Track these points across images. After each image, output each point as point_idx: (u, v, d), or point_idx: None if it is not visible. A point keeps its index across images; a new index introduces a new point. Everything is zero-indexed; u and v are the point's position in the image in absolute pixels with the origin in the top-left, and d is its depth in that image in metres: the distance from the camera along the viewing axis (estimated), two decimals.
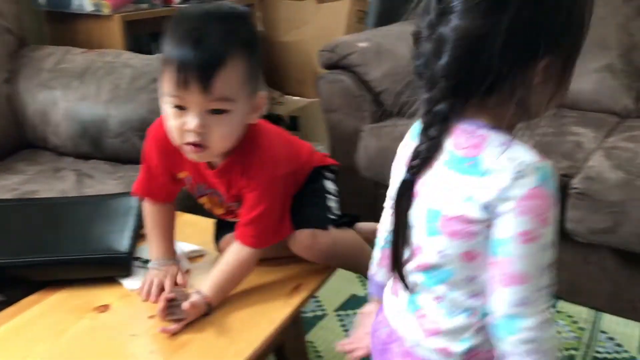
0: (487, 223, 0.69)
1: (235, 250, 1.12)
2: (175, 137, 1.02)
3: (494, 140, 0.69)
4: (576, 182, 1.62)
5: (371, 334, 0.90)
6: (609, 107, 2.06)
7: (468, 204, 0.69)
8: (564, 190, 1.61)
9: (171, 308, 1.04)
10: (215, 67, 0.94)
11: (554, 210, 0.69)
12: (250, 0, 2.61)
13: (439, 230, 0.72)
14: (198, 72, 0.93)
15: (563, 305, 1.79)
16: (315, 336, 1.69)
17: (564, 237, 1.63)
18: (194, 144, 0.99)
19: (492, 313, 0.72)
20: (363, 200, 2.13)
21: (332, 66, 2.09)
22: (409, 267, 0.77)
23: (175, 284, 1.13)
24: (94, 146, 1.84)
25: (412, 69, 0.73)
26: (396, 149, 0.80)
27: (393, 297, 0.84)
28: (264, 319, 1.05)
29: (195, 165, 1.11)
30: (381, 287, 0.91)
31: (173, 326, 1.02)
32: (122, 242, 1.18)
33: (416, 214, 0.75)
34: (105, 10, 2.18)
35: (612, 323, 1.71)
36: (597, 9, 0.72)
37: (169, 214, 1.20)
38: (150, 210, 1.19)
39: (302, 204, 1.20)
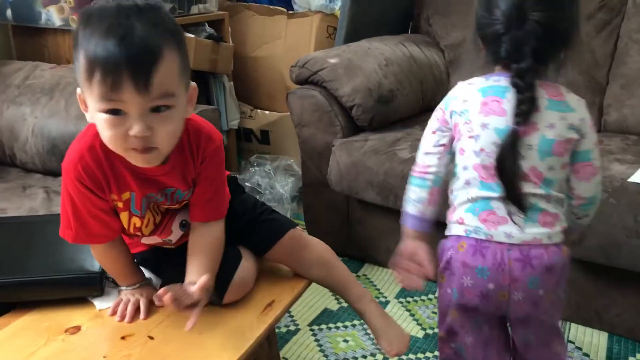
0: (577, 140, 1.06)
1: (205, 232, 1.09)
2: (116, 147, 0.93)
3: (562, 88, 1.07)
4: None
5: (495, 268, 1.05)
6: None
7: (571, 130, 1.05)
8: None
9: (177, 300, 0.94)
10: (151, 62, 0.86)
11: None
12: (220, 16, 2.62)
13: (551, 152, 1.04)
14: (132, 70, 0.84)
15: None
16: (289, 352, 1.69)
17: None
18: (142, 149, 0.91)
19: (581, 197, 1.12)
20: (335, 214, 2.15)
21: (303, 81, 2.11)
22: (524, 188, 1.03)
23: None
24: None
25: (499, 50, 1.03)
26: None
27: (504, 225, 1.05)
28: (238, 337, 1.05)
29: (138, 175, 1.02)
30: (429, 222, 1.14)
31: (192, 319, 0.96)
32: (94, 261, 1.16)
33: (527, 146, 1.03)
34: (74, 25, 2.16)
35: (579, 333, 1.75)
36: None
37: (118, 251, 1.12)
38: (97, 254, 1.11)
39: (261, 215, 1.22)
